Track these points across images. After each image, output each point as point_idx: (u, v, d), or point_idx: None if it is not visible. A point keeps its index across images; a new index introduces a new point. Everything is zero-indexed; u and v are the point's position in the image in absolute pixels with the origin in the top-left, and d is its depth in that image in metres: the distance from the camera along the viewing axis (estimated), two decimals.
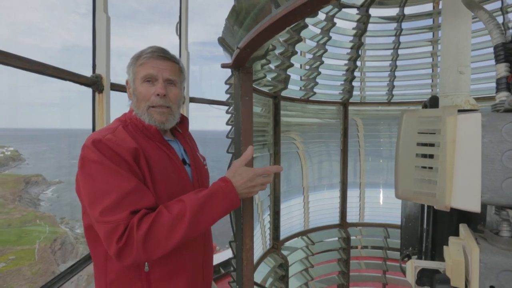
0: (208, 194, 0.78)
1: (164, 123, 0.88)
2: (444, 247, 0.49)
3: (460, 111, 0.45)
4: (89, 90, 1.57)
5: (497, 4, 1.72)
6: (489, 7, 1.77)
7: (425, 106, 0.92)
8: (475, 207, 0.40)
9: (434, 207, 0.45)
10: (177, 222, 0.72)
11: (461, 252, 0.44)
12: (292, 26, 1.20)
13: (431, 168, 0.47)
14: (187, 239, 0.74)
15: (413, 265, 0.50)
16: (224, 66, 1.25)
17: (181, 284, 0.86)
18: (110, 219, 0.70)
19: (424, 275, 0.52)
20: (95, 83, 1.52)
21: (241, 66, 1.23)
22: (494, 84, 1.84)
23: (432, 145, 0.47)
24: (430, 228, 0.92)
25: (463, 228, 0.48)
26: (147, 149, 0.82)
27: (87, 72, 1.56)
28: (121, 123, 0.86)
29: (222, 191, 0.79)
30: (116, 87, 1.66)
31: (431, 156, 0.46)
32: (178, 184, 0.86)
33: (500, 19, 1.72)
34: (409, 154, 0.50)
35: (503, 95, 0.46)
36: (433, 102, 0.87)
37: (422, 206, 0.97)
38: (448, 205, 0.43)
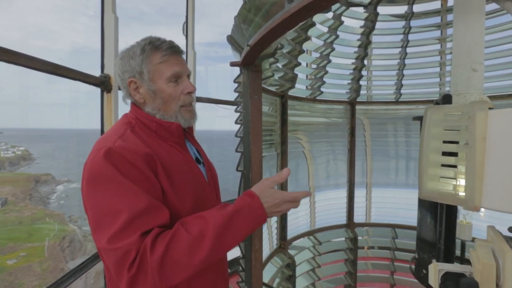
0: (233, 211, 0.69)
1: (192, 119, 0.85)
2: (471, 250, 0.47)
3: None
4: (97, 91, 1.58)
5: None
6: (493, 5, 1.72)
7: (437, 104, 0.90)
8: (509, 208, 0.38)
9: (462, 208, 0.43)
10: (198, 243, 0.63)
11: (491, 256, 0.42)
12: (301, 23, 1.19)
13: (457, 166, 0.44)
14: (209, 262, 0.65)
15: (437, 268, 0.48)
16: (233, 64, 1.24)
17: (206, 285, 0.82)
18: (119, 245, 0.61)
19: (448, 279, 0.49)
20: (104, 83, 1.53)
21: (251, 64, 1.21)
22: (508, 82, 1.78)
23: (458, 142, 0.44)
24: (442, 229, 0.90)
25: (491, 230, 0.46)
26: (160, 152, 0.76)
27: (95, 74, 1.58)
28: (128, 126, 0.79)
29: (248, 207, 0.71)
30: None
31: (457, 155, 0.44)
32: (196, 184, 0.82)
33: None
34: (434, 153, 0.47)
35: None
36: (446, 100, 0.84)
37: (436, 206, 0.95)
38: (478, 206, 0.40)
